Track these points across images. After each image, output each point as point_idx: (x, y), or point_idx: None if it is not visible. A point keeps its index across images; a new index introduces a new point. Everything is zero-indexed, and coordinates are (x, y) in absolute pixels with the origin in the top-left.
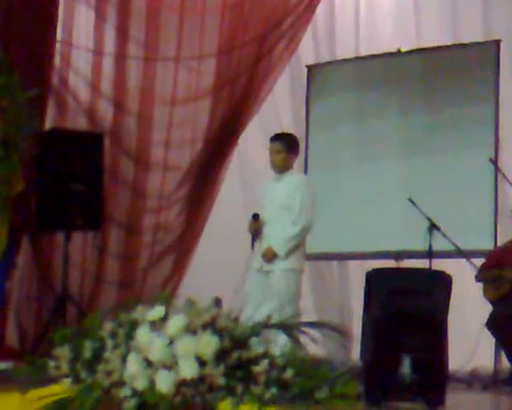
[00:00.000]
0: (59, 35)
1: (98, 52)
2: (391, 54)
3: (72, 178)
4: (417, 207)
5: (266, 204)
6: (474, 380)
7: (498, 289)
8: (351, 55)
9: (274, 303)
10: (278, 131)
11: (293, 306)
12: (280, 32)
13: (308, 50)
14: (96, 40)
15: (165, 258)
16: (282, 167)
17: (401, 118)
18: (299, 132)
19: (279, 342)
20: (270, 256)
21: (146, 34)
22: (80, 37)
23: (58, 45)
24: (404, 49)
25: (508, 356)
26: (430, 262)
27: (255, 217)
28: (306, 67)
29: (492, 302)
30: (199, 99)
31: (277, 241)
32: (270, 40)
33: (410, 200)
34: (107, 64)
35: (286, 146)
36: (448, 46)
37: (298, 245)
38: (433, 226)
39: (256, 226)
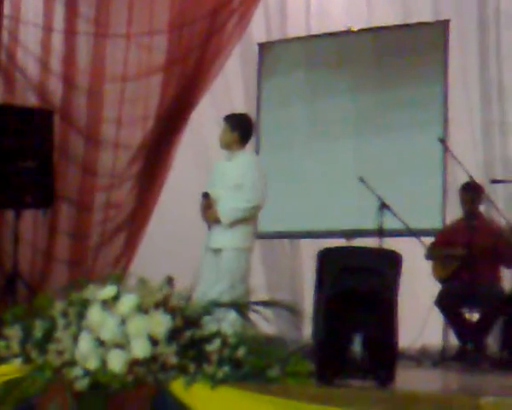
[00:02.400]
0: (6, 10)
1: (47, 28)
2: (342, 32)
3: (21, 156)
4: (368, 186)
5: (217, 183)
6: (423, 357)
7: (447, 268)
8: (302, 33)
9: (225, 283)
10: (231, 111)
11: (245, 285)
12: (231, 9)
13: (259, 28)
14: (45, 16)
15: (117, 236)
16: (227, 146)
17: (352, 97)
18: (250, 110)
19: (229, 320)
20: (212, 218)
21: (96, 10)
22: (28, 12)
23: (5, 21)
24: (355, 28)
25: (455, 333)
26: (380, 241)
27: (205, 196)
28: (258, 44)
29: (441, 281)
30: (150, 76)
31: (225, 208)
32: (221, 16)
33: (361, 179)
34: (57, 40)
35: (232, 126)
36: (398, 26)
37: (245, 221)
38: (383, 205)
39: (207, 205)
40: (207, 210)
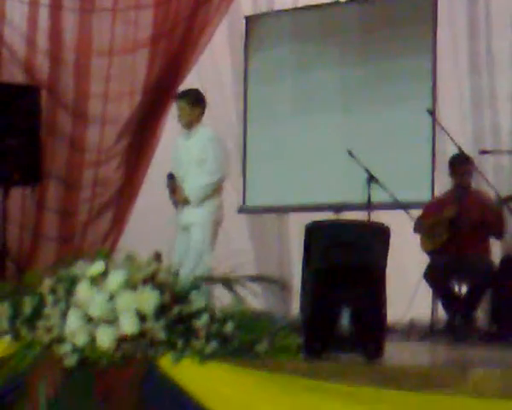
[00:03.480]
0: None
1: (33, 3)
2: (329, 4)
3: (8, 133)
4: (356, 159)
5: (181, 161)
6: (411, 331)
7: (435, 240)
8: (289, 5)
9: (192, 256)
10: (219, 85)
11: (209, 256)
12: None
13: (246, 1)
14: None
15: (105, 213)
16: (187, 123)
17: (339, 70)
18: (237, 84)
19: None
20: (181, 200)
21: None
22: None
23: None
24: (342, 0)
25: (444, 307)
26: (369, 214)
27: (170, 176)
28: (245, 17)
29: (429, 253)
30: (136, 51)
31: (191, 187)
32: None
33: (349, 152)
34: (43, 16)
35: (188, 102)
36: None
37: (211, 195)
38: (371, 178)
39: (174, 186)
40: (175, 192)
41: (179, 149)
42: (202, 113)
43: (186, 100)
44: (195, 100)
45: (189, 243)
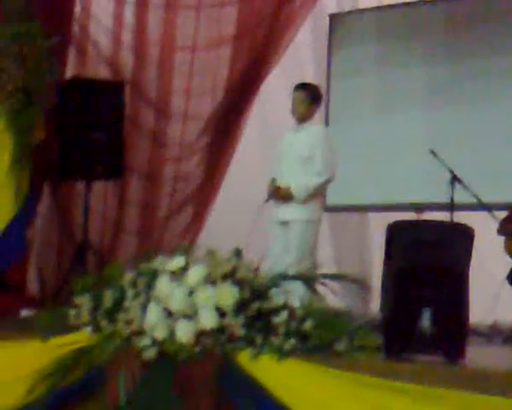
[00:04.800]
0: None
1: (118, 1)
2: (414, 3)
3: (92, 127)
4: (439, 158)
5: (285, 156)
6: (494, 334)
7: None
8: (374, 3)
9: (293, 255)
10: (302, 81)
11: (312, 257)
12: None
13: None
14: None
15: (185, 208)
16: (303, 117)
17: (424, 68)
18: (320, 83)
19: (298, 294)
20: (285, 195)
21: None
22: None
23: None
24: None
25: None
26: (452, 215)
27: (273, 181)
28: (329, 16)
29: None
30: (220, 47)
31: (298, 184)
32: None
33: (432, 151)
34: (128, 13)
35: (310, 96)
36: None
37: (316, 195)
38: (454, 178)
39: (275, 190)
40: (274, 194)
41: (285, 142)
42: (317, 110)
43: (307, 93)
44: (316, 95)
45: (288, 240)
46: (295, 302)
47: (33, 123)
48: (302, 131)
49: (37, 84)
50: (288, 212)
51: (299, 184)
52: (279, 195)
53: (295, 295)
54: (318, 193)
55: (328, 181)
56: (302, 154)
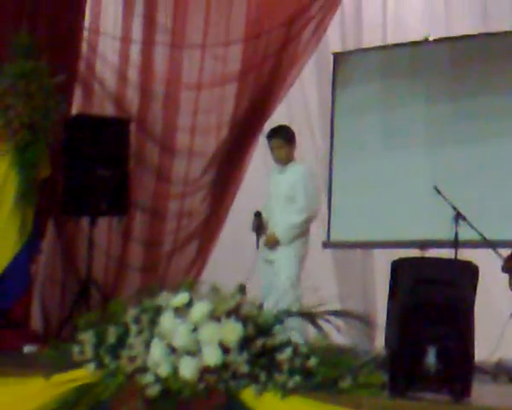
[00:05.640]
0: (86, 23)
1: (125, 39)
2: (418, 42)
3: (98, 164)
4: (443, 195)
5: (273, 194)
6: (499, 371)
7: None
8: (378, 42)
9: (277, 291)
10: (307, 121)
11: (295, 291)
12: (308, 16)
13: (335, 37)
14: (124, 27)
15: (189, 244)
16: (286, 161)
17: (428, 107)
18: (325, 119)
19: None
20: (271, 242)
21: (173, 21)
22: (107, 24)
23: (85, 33)
24: (431, 38)
25: None
26: (456, 252)
27: (257, 215)
28: (333, 54)
29: None
30: (225, 85)
31: (281, 228)
32: (298, 24)
33: (436, 188)
34: (134, 51)
35: (286, 140)
36: (477, 35)
37: (300, 233)
38: (458, 215)
39: (259, 224)
40: (260, 229)
41: (271, 183)
42: (293, 149)
43: (282, 137)
44: (291, 137)
45: (274, 278)
46: (298, 339)
47: (39, 159)
48: (285, 172)
49: (44, 121)
50: (274, 251)
51: (282, 227)
52: (266, 241)
53: (295, 330)
54: (304, 231)
55: (309, 218)
56: (286, 193)
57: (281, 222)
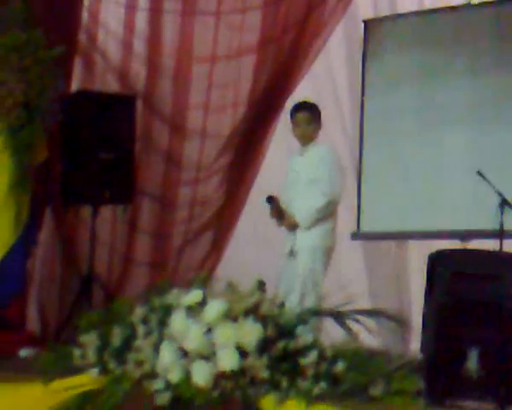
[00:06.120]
0: None
1: (130, 6)
2: (459, 7)
3: (100, 146)
4: (487, 180)
5: (292, 179)
6: None
7: None
8: (414, 7)
9: (297, 286)
10: (335, 97)
11: (317, 290)
12: None
13: (365, 3)
14: None
15: (203, 236)
16: (309, 139)
17: (470, 80)
18: (354, 95)
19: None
20: (290, 224)
21: None
22: None
23: (85, 0)
24: (475, 1)
25: None
26: (501, 243)
27: (269, 200)
28: (363, 22)
29: None
30: (241, 57)
31: (301, 210)
32: None
33: (479, 173)
34: (140, 20)
35: (316, 115)
36: None
37: (322, 219)
38: (504, 202)
39: (277, 209)
40: (279, 216)
41: (292, 166)
42: (319, 129)
43: (308, 112)
44: (318, 114)
45: (297, 271)
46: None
47: (34, 142)
48: (307, 153)
49: (40, 99)
50: (296, 240)
51: (301, 210)
52: (284, 223)
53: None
54: (326, 216)
55: (331, 202)
56: (306, 176)
57: (301, 206)
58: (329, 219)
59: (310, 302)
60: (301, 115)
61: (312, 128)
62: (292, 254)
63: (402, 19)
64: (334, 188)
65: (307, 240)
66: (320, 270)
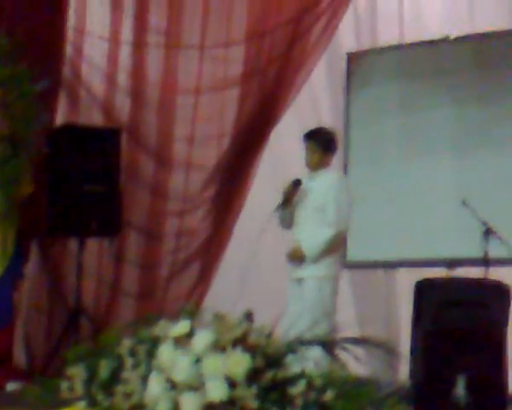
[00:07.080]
0: (70, 22)
1: (114, 40)
2: (439, 41)
3: (86, 179)
4: (471, 209)
5: (300, 205)
6: None
7: None
8: (395, 41)
9: (307, 317)
10: (314, 127)
11: (329, 319)
12: (317, 12)
13: (348, 36)
14: (112, 27)
15: (190, 266)
16: (317, 167)
17: (452, 110)
18: (338, 126)
19: (312, 358)
20: (296, 256)
21: (167, 21)
22: (93, 23)
23: (69, 33)
24: (453, 36)
25: None
26: (486, 271)
27: (297, 183)
28: (346, 54)
29: None
30: (226, 89)
31: (308, 242)
32: (306, 22)
33: (464, 202)
34: (124, 54)
35: (322, 144)
36: (503, 32)
37: (330, 250)
38: (489, 231)
39: (292, 193)
40: (290, 201)
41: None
42: (332, 157)
43: (312, 141)
44: (330, 142)
45: (303, 300)
46: (310, 368)
47: (20, 175)
48: (316, 180)
49: (25, 133)
50: (302, 268)
51: (309, 242)
52: (292, 257)
53: (312, 361)
54: (334, 247)
55: (339, 234)
56: (316, 204)
57: (308, 236)
58: (336, 248)
59: (322, 331)
60: (305, 144)
61: (318, 156)
62: (299, 280)
63: (384, 52)
64: (341, 218)
65: (314, 270)
66: (329, 299)
